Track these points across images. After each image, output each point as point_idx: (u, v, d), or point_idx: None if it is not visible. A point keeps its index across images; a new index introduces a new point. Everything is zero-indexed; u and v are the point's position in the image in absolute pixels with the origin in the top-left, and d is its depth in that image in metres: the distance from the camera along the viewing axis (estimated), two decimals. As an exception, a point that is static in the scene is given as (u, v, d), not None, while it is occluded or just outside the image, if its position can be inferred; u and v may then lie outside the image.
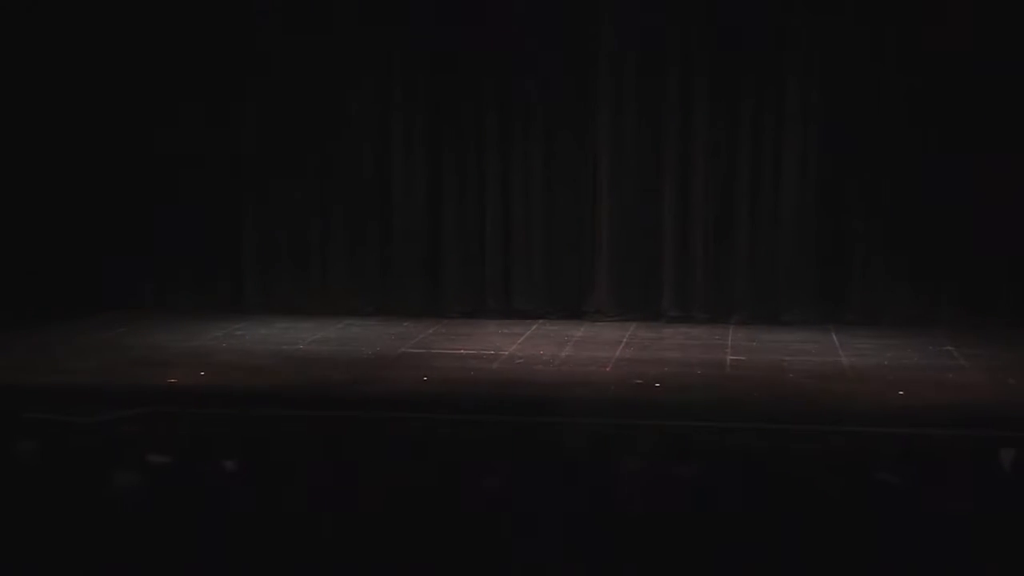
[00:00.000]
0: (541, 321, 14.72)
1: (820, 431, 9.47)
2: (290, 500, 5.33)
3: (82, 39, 14.92)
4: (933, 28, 14.01)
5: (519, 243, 15.22)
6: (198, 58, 15.18)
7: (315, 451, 6.80)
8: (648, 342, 13.48)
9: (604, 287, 15.00)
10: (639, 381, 11.29)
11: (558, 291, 15.21)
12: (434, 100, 15.15)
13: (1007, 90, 13.93)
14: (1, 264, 14.54)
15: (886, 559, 4.82)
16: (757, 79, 14.62)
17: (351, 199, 15.40)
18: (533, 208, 15.17)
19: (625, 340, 13.53)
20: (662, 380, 11.31)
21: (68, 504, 5.18)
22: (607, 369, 11.92)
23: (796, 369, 11.91)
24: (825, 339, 13.52)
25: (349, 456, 6.39)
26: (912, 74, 14.21)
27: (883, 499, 5.34)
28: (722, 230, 14.83)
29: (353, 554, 4.88)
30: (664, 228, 14.90)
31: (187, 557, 4.86)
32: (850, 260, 14.59)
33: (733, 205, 14.80)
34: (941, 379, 11.46)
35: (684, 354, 12.70)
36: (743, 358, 12.53)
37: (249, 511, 5.16)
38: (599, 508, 5.10)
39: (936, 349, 12.91)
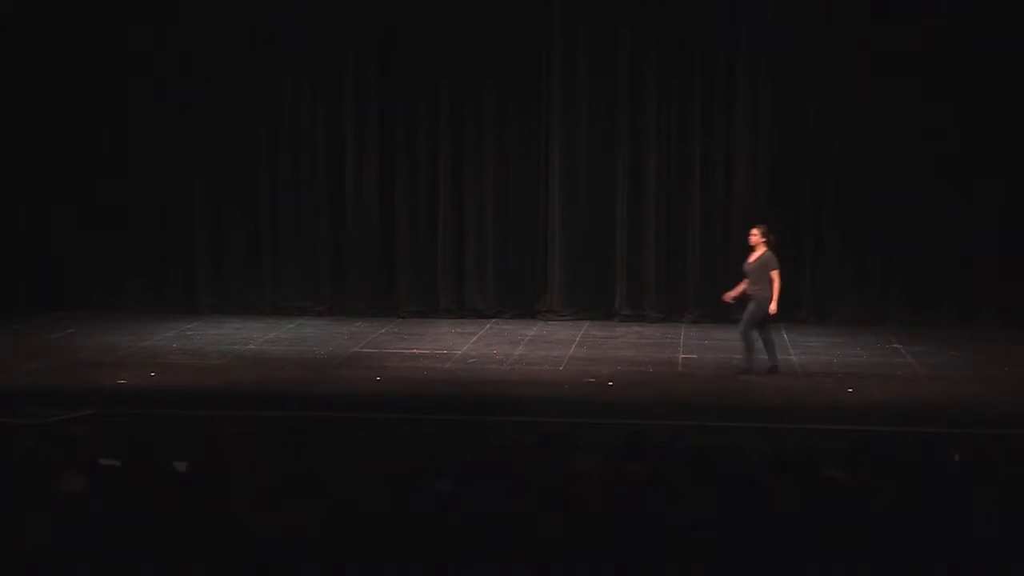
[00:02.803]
0: (494, 320, 14.73)
1: (770, 428, 9.55)
2: (240, 501, 5.29)
3: (31, 42, 14.78)
4: (883, 28, 14.18)
5: (472, 243, 15.23)
6: (150, 55, 15.05)
7: (267, 451, 6.76)
8: (601, 341, 13.53)
9: (557, 286, 15.04)
10: (592, 380, 11.33)
11: (511, 290, 15.23)
12: (386, 99, 15.11)
13: (957, 89, 14.12)
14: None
15: (835, 554, 4.86)
16: (708, 80, 14.72)
17: (303, 198, 15.33)
18: (486, 208, 15.18)
19: (578, 339, 13.57)
20: (615, 379, 11.35)
21: (15, 505, 5.11)
22: (560, 368, 11.95)
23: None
24: (775, 337, 13.62)
25: (301, 456, 6.37)
26: (858, 74, 14.39)
27: (831, 495, 5.39)
28: (674, 230, 14.92)
29: (305, 555, 4.84)
30: (616, 228, 14.96)
31: (134, 557, 4.81)
32: (800, 259, 14.71)
33: (685, 205, 14.89)
34: (889, 376, 11.60)
35: (637, 352, 12.76)
36: (695, 356, 12.61)
37: (198, 512, 5.11)
38: (552, 506, 5.10)
39: (884, 347, 13.07)
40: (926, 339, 13.24)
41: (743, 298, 11.54)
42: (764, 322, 11.43)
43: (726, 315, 14.61)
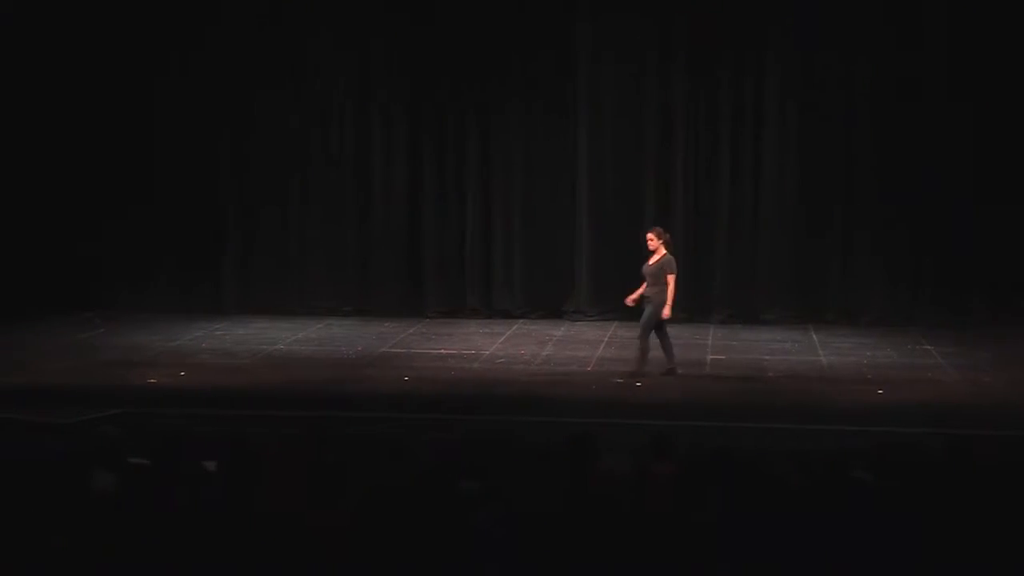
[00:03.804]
0: (522, 321, 14.72)
1: (799, 430, 9.49)
2: (270, 499, 5.30)
3: (61, 45, 14.88)
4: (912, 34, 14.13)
5: (500, 243, 15.23)
6: (179, 58, 15.15)
7: (295, 451, 6.78)
8: (629, 341, 13.38)
9: (585, 287, 15.01)
10: (620, 380, 11.30)
11: (539, 291, 15.21)
12: (414, 100, 15.13)
13: (986, 91, 14.02)
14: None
15: (862, 556, 4.83)
16: (737, 80, 14.66)
17: (331, 199, 15.38)
18: (514, 209, 15.18)
19: (606, 339, 13.54)
20: (643, 379, 11.32)
21: (47, 504, 5.15)
22: (588, 368, 11.92)
23: (776, 368, 11.95)
24: (805, 338, 13.58)
25: (330, 456, 6.38)
26: (889, 73, 14.31)
27: (860, 497, 5.36)
28: (703, 230, 14.87)
29: (333, 553, 4.85)
30: (644, 228, 14.82)
31: (164, 556, 4.83)
32: (829, 260, 14.64)
33: (713, 206, 14.84)
34: (919, 378, 11.52)
35: (665, 353, 12.68)
36: (723, 357, 12.56)
37: (227, 511, 5.13)
38: (581, 506, 5.09)
39: (914, 348, 12.98)
40: (957, 340, 13.13)
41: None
42: (661, 324, 11.25)
43: (754, 316, 14.61)
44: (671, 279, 11.16)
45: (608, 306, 14.92)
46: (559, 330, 14.17)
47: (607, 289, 14.99)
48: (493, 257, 15.26)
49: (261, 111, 15.24)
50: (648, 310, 11.22)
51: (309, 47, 15.19)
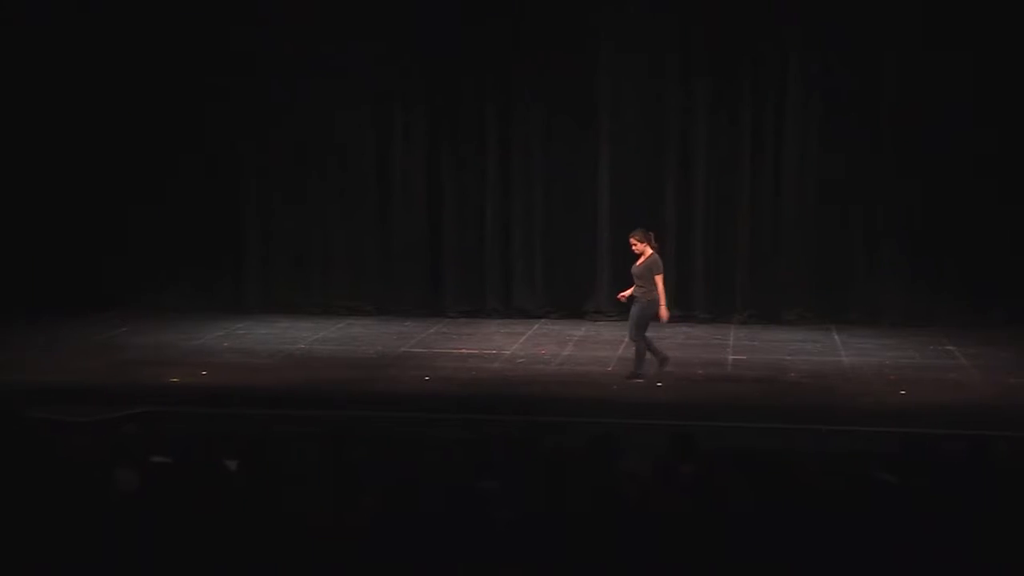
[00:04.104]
0: (542, 321, 14.71)
1: (821, 430, 9.45)
2: (291, 499, 5.31)
3: (83, 45, 14.96)
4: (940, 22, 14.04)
5: (520, 243, 15.22)
6: (199, 57, 15.18)
7: (316, 450, 6.79)
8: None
9: (605, 287, 14.97)
10: (640, 380, 11.28)
11: (559, 291, 15.20)
12: (435, 100, 15.14)
13: (1014, 97, 13.93)
14: (3, 263, 14.56)
15: (885, 557, 4.80)
16: (758, 77, 14.60)
17: (351, 199, 15.40)
18: (534, 208, 15.16)
19: (627, 340, 13.47)
20: (663, 379, 11.30)
21: (70, 502, 5.16)
22: (609, 368, 11.90)
23: (797, 369, 11.90)
24: (826, 339, 13.52)
25: (350, 455, 6.38)
26: (911, 73, 14.23)
27: (883, 498, 5.32)
28: (723, 230, 14.82)
29: (352, 553, 4.85)
30: (665, 228, 14.86)
31: (186, 555, 4.84)
32: (851, 260, 14.57)
33: (734, 205, 14.79)
34: (942, 378, 11.45)
35: (685, 353, 12.66)
36: (744, 357, 12.52)
37: (248, 510, 5.13)
38: (602, 507, 5.08)
39: (936, 348, 12.90)
40: (980, 340, 13.04)
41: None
42: (648, 325, 11.23)
43: (776, 316, 14.55)
44: (659, 279, 11.15)
45: (629, 306, 14.86)
46: (580, 330, 14.15)
47: (628, 289, 14.97)
48: (513, 257, 15.25)
49: (281, 111, 15.26)
50: (635, 310, 11.19)
51: (330, 46, 15.16)
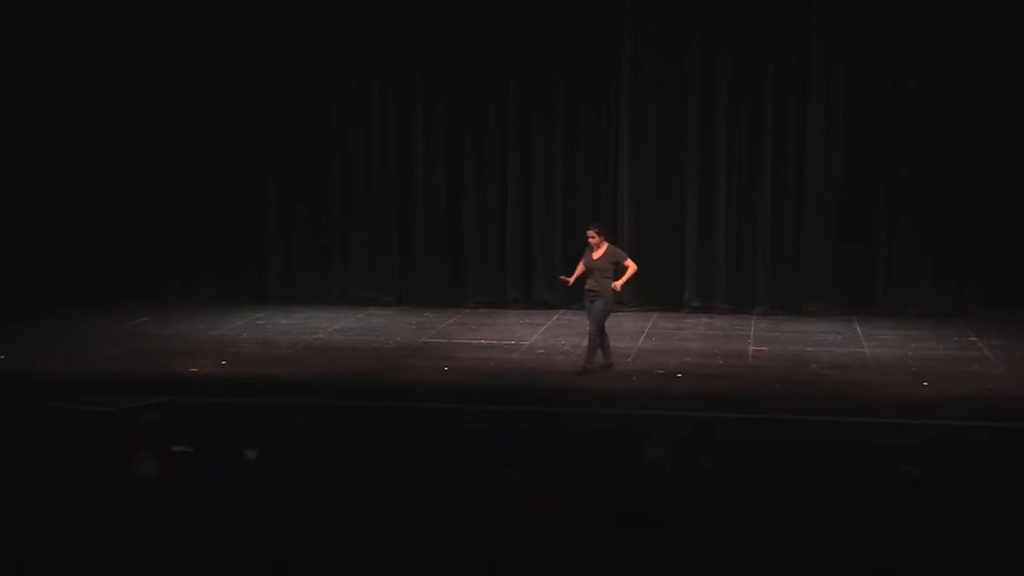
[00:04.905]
0: (562, 311, 14.65)
1: (844, 423, 9.38)
2: (310, 489, 5.29)
3: (106, 39, 14.99)
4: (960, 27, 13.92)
5: (540, 233, 15.17)
6: (225, 51, 15.19)
7: (336, 440, 6.77)
8: (670, 332, 13.41)
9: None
10: (661, 372, 11.23)
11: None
12: (456, 91, 15.10)
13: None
14: (28, 254, 14.63)
15: (909, 552, 4.75)
16: (779, 68, 14.50)
17: (372, 190, 15.39)
18: (554, 198, 15.11)
19: (647, 330, 13.46)
20: (684, 371, 11.24)
21: (90, 490, 5.16)
22: (629, 359, 11.86)
23: (819, 360, 11.81)
24: (848, 330, 13.42)
25: (369, 446, 6.36)
26: (934, 64, 14.09)
27: (907, 492, 5.26)
28: (745, 220, 14.73)
29: (372, 544, 4.84)
30: (686, 218, 14.81)
31: (206, 546, 4.84)
32: (874, 251, 14.46)
33: (756, 195, 14.69)
34: (965, 370, 11.36)
35: (706, 344, 12.62)
36: (765, 349, 12.44)
37: (267, 500, 5.12)
38: (623, 498, 5.04)
39: (960, 340, 12.80)
40: (1004, 332, 12.93)
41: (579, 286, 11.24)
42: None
43: (797, 307, 14.46)
44: (630, 262, 11.11)
45: (649, 297, 14.85)
46: (600, 321, 14.08)
47: (648, 280, 14.89)
48: (533, 247, 15.21)
49: (304, 101, 15.26)
50: (599, 305, 11.06)
51: (352, 39, 15.18)
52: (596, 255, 11.16)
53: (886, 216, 14.45)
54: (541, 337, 13.10)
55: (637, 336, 13.05)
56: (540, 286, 15.17)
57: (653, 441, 6.38)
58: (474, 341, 12.83)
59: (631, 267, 11.15)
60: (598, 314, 11.09)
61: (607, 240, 11.26)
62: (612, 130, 14.94)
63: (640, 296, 14.83)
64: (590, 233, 11.22)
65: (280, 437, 6.30)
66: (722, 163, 14.70)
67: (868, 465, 5.69)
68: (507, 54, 14.94)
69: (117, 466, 5.51)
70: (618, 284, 11.11)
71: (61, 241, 14.92)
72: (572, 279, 11.39)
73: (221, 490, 5.19)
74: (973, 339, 12.79)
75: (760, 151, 14.65)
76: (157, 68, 15.19)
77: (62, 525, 4.90)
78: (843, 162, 14.47)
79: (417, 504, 4.98)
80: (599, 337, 11.16)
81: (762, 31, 14.43)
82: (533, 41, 14.85)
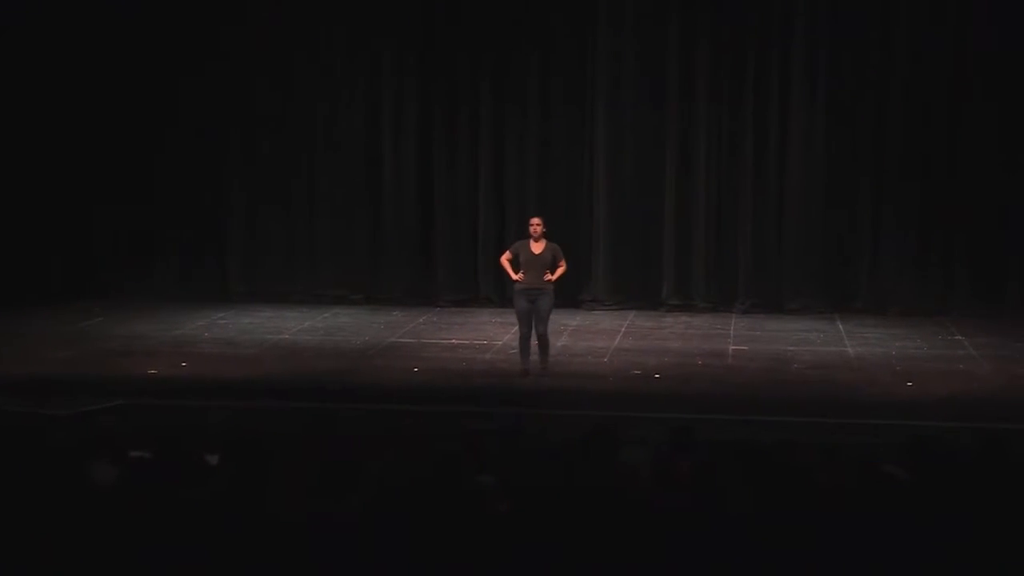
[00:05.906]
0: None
1: (826, 423, 9.16)
2: (275, 494, 5.06)
3: (64, 28, 14.64)
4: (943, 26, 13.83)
5: (513, 229, 14.87)
6: (185, 43, 14.86)
7: (300, 443, 6.59)
8: (647, 331, 13.19)
9: (601, 274, 14.67)
10: (638, 372, 10.98)
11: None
12: (425, 85, 14.83)
13: (1018, 80, 13.66)
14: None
15: (893, 553, 4.54)
16: (760, 60, 14.29)
17: (339, 184, 15.08)
18: (528, 194, 14.84)
19: (624, 329, 13.23)
20: (662, 371, 11.01)
21: (46, 497, 4.89)
22: (605, 359, 11.61)
23: (800, 359, 11.60)
24: (831, 328, 13.23)
25: (337, 449, 6.15)
26: (918, 61, 13.94)
27: (890, 493, 5.09)
28: (724, 216, 14.52)
29: (341, 550, 4.58)
30: (664, 213, 14.58)
31: (165, 551, 4.58)
32: (857, 248, 14.29)
33: (736, 190, 14.47)
34: (950, 369, 11.18)
35: (685, 344, 12.38)
36: (746, 348, 12.22)
37: (230, 506, 4.89)
38: (597, 502, 4.83)
39: (945, 338, 12.64)
40: (990, 330, 12.78)
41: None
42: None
43: (779, 305, 14.27)
44: (563, 262, 10.71)
45: (626, 295, 14.62)
46: (575, 320, 13.84)
47: (625, 277, 14.69)
48: (506, 244, 14.90)
49: (268, 96, 14.98)
50: (546, 302, 10.68)
51: (316, 31, 14.89)
52: (537, 249, 10.76)
53: (870, 212, 14.28)
54: (514, 336, 12.80)
55: (614, 335, 12.81)
56: (513, 285, 14.87)
57: (630, 443, 6.22)
58: (445, 341, 12.56)
59: (564, 266, 10.76)
60: (546, 311, 10.71)
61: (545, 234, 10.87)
62: (587, 123, 14.69)
63: (617, 294, 14.59)
64: (536, 222, 10.83)
65: (243, 441, 6.11)
66: (700, 159, 14.47)
67: (851, 467, 5.52)
68: (478, 46, 14.68)
69: (72, 472, 5.26)
70: (552, 278, 10.71)
71: (12, 239, 14.57)
72: (519, 276, 10.85)
73: (181, 496, 4.95)
74: (958, 337, 12.64)
75: (739, 148, 14.42)
76: (118, 64, 14.83)
77: (14, 534, 4.67)
78: (826, 157, 14.28)
79: (386, 509, 4.75)
80: (527, 340, 10.75)
81: (742, 21, 14.20)
82: (504, 33, 14.60)
